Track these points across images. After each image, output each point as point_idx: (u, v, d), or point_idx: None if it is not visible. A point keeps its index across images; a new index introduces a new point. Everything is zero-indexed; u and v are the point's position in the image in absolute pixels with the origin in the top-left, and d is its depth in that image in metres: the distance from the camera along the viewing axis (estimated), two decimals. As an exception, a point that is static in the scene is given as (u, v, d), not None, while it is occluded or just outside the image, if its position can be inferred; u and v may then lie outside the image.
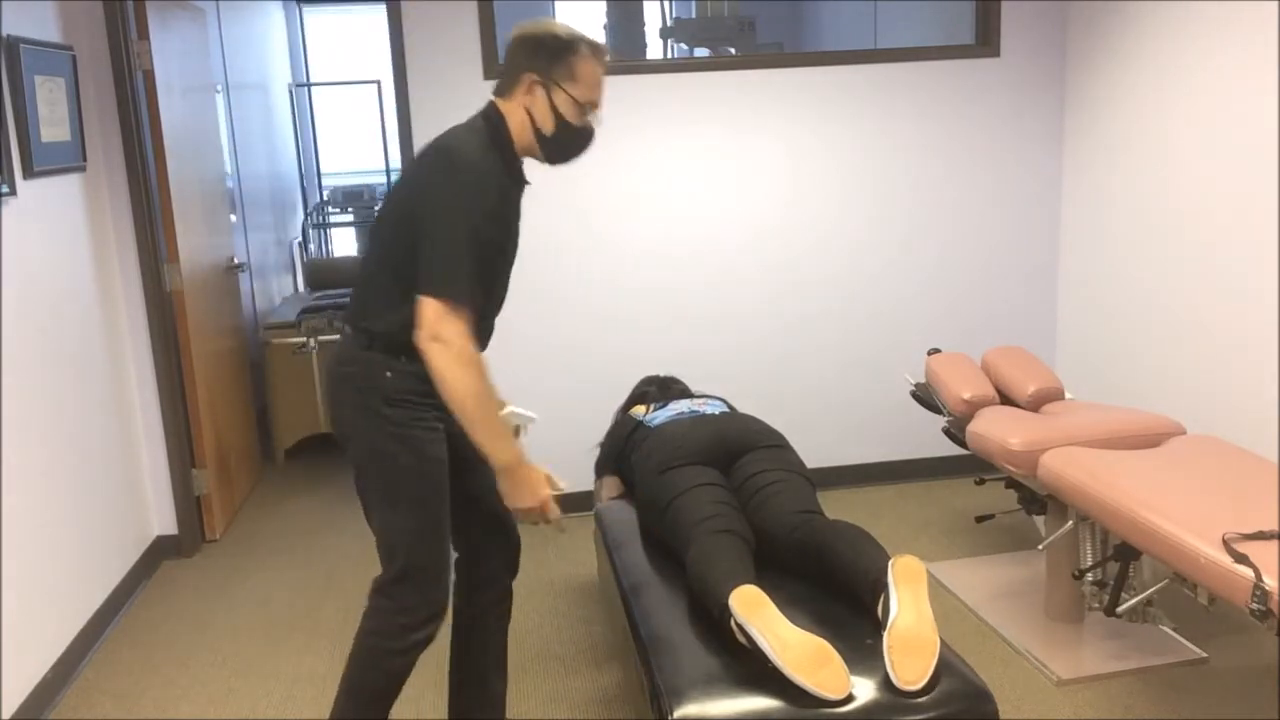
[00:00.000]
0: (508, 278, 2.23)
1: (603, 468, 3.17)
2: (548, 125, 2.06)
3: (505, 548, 2.35)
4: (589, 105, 2.07)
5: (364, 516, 2.17)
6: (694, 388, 4.12)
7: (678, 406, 2.99)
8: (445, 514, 2.14)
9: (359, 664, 2.16)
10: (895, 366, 4.17)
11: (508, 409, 2.33)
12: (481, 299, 2.05)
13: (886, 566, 2.06)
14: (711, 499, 2.44)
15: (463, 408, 1.96)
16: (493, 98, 2.10)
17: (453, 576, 2.22)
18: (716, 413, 2.85)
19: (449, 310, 1.93)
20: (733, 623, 1.99)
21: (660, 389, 3.29)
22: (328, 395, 2.18)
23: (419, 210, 1.98)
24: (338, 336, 4.79)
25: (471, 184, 1.96)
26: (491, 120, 2.07)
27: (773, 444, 2.67)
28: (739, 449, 2.65)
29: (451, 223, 1.94)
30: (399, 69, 3.69)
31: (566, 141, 2.09)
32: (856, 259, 4.09)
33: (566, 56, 2.03)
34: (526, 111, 2.06)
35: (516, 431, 2.35)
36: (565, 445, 4.01)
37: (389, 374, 2.04)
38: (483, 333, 2.16)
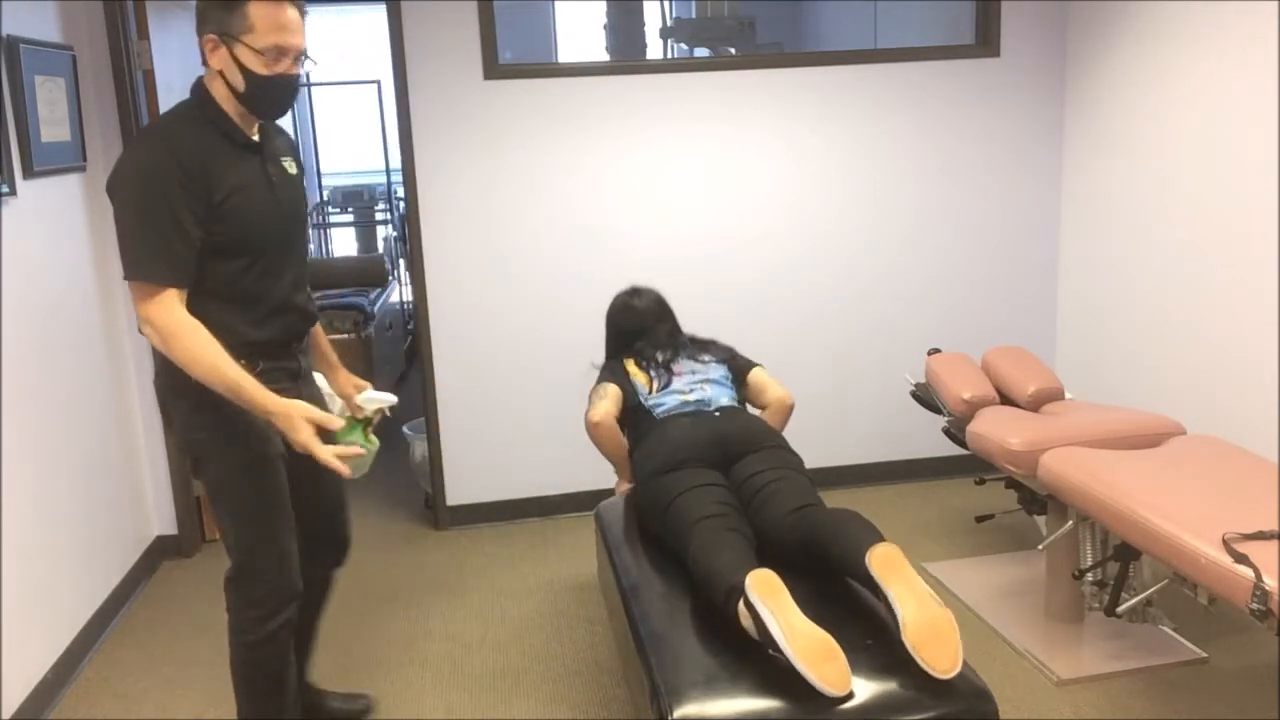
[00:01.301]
0: (288, 244, 2.15)
1: (603, 377, 3.04)
2: (239, 82, 1.97)
3: (333, 543, 2.42)
4: (274, 51, 1.95)
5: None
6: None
7: (679, 391, 2.88)
8: (281, 504, 2.13)
9: (235, 663, 2.22)
10: (895, 366, 4.17)
11: (365, 394, 2.32)
12: (256, 270, 2.02)
13: (864, 562, 2.04)
14: (713, 499, 2.44)
15: (204, 378, 1.92)
16: (200, 78, 2.05)
17: None
18: (715, 410, 2.80)
19: (149, 291, 1.90)
20: (742, 604, 1.97)
21: (651, 343, 3.06)
22: (160, 407, 2.17)
23: (113, 204, 1.95)
24: (339, 336, 4.81)
25: (145, 162, 1.91)
26: (197, 95, 2.03)
27: (772, 444, 2.66)
28: (739, 450, 2.64)
29: (135, 205, 1.91)
30: (399, 69, 3.69)
31: (262, 95, 1.99)
32: (856, 259, 4.09)
33: (238, 6, 1.92)
34: (221, 77, 1.99)
35: (374, 419, 2.27)
36: (565, 445, 4.01)
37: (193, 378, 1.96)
38: (282, 309, 2.12)
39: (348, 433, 2.20)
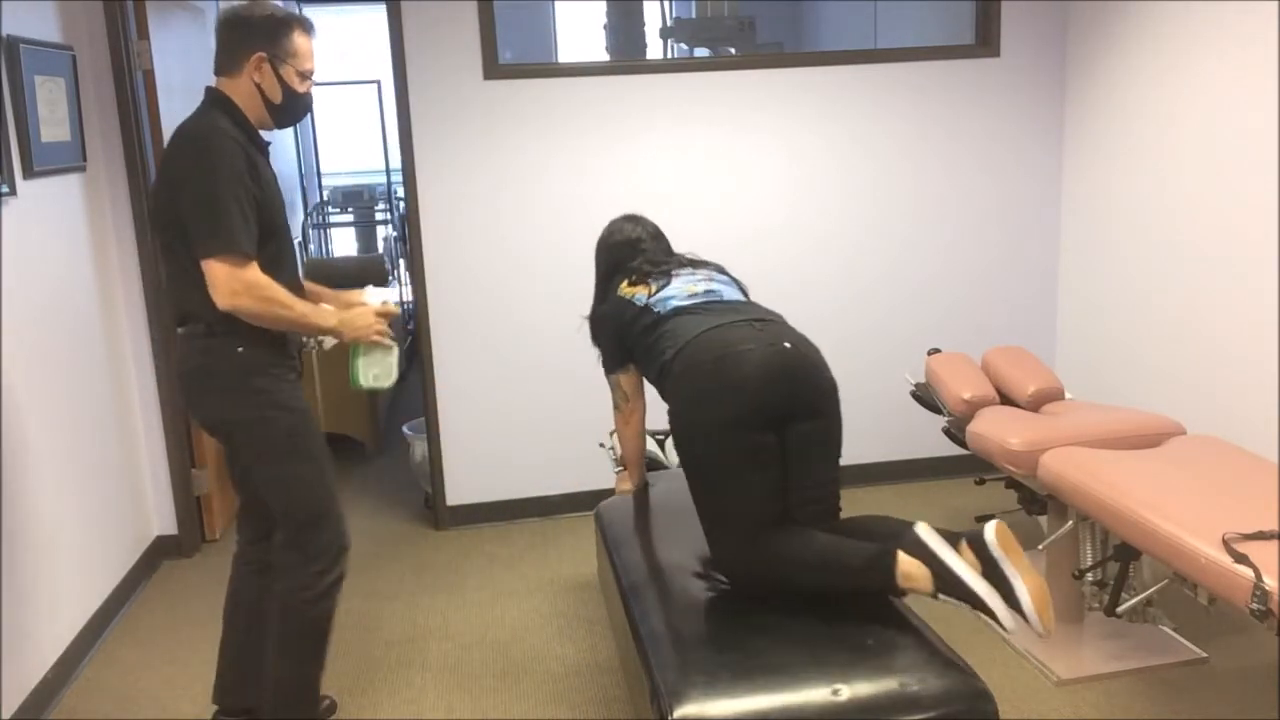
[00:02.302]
0: (289, 237, 2.42)
1: (613, 361, 2.75)
2: (276, 95, 2.30)
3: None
4: (308, 73, 2.33)
5: (239, 487, 2.48)
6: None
7: (681, 288, 2.53)
8: (327, 457, 2.41)
9: (289, 625, 2.39)
10: (895, 366, 4.17)
11: (368, 290, 2.61)
12: (268, 247, 2.24)
13: (982, 534, 2.08)
14: (770, 490, 2.23)
15: (285, 325, 2.25)
16: (212, 86, 2.31)
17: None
18: (757, 320, 2.35)
19: (232, 264, 2.14)
20: (906, 555, 2.06)
21: (646, 259, 2.75)
22: (187, 394, 2.36)
23: (181, 196, 2.16)
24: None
25: (216, 148, 2.16)
26: (219, 102, 2.28)
27: (836, 398, 2.34)
28: (805, 402, 2.27)
29: (210, 188, 2.13)
30: (399, 69, 3.69)
31: (293, 109, 2.35)
32: (856, 258, 4.09)
33: (286, 31, 2.27)
34: (255, 85, 2.28)
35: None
36: (565, 445, 4.01)
37: (240, 349, 2.25)
38: (289, 280, 2.34)
39: (352, 355, 2.45)
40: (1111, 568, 2.71)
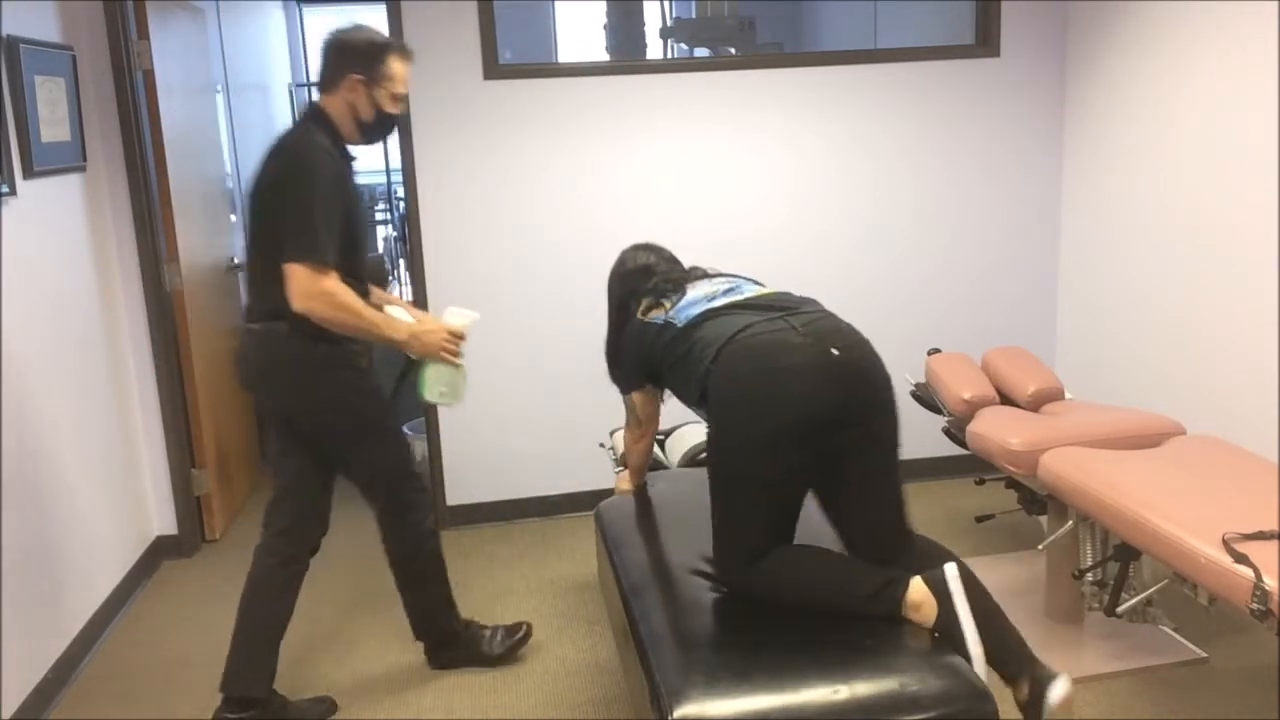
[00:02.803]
0: (365, 241, 2.62)
1: (629, 382, 2.61)
2: (368, 114, 2.50)
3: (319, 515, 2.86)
4: (401, 96, 2.53)
5: (277, 475, 2.67)
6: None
7: (700, 295, 2.39)
8: (399, 428, 2.73)
9: (410, 569, 2.78)
10: (895, 366, 4.15)
11: (449, 310, 2.67)
12: (349, 257, 2.45)
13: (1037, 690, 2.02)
14: (795, 518, 2.19)
15: (357, 331, 2.43)
16: (313, 100, 2.53)
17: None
18: (803, 325, 2.17)
19: (313, 270, 2.32)
20: (916, 592, 2.02)
21: (663, 278, 2.58)
22: (265, 385, 2.56)
23: (277, 199, 2.37)
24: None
25: (310, 165, 2.36)
26: (317, 116, 2.49)
27: (889, 418, 2.19)
28: (857, 420, 2.13)
29: (303, 200, 2.33)
30: (399, 69, 3.69)
31: (381, 127, 2.56)
32: (856, 258, 4.09)
33: (383, 58, 2.47)
34: (349, 105, 2.48)
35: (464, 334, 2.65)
36: (565, 445, 4.01)
37: (323, 346, 2.46)
38: (359, 285, 2.53)
39: (421, 368, 2.59)
40: (1111, 568, 2.71)
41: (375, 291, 2.71)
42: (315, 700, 2.79)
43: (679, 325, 2.33)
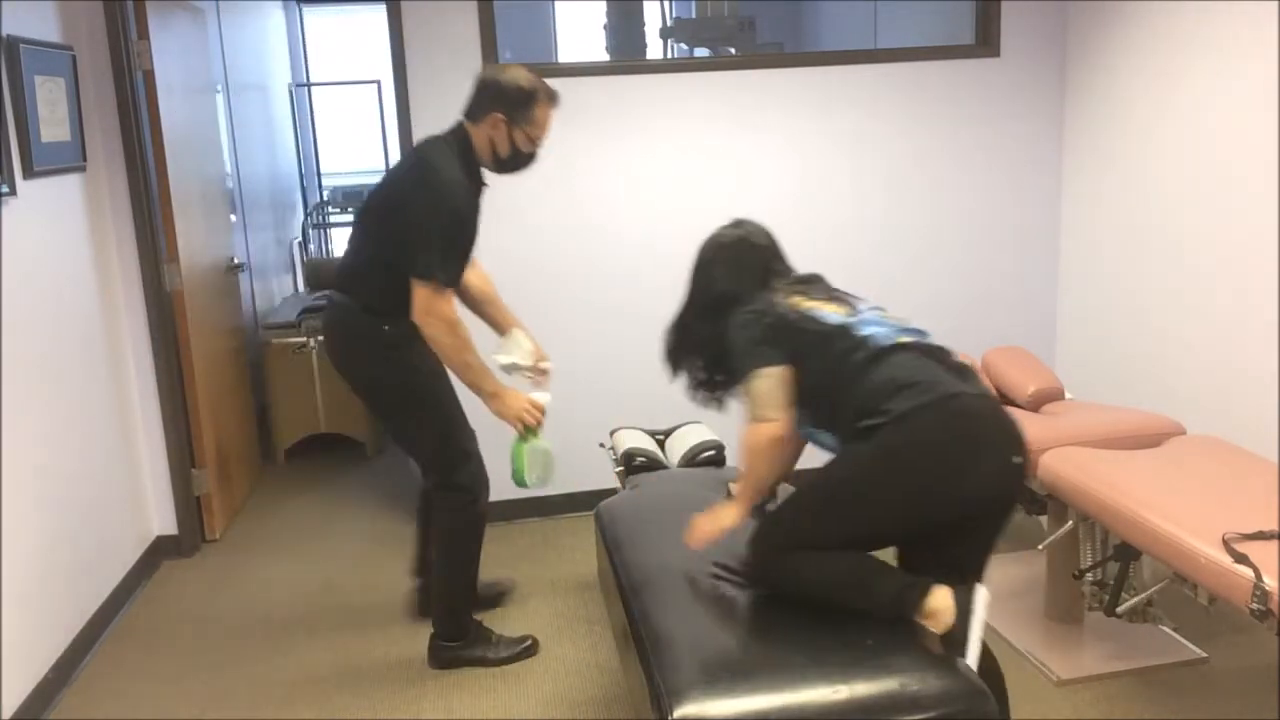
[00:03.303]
0: (471, 252, 2.78)
1: (769, 355, 2.18)
2: (504, 151, 2.69)
3: None
4: (539, 140, 2.70)
5: (395, 440, 3.03)
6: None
7: (883, 319, 2.24)
8: (458, 405, 2.83)
9: (455, 544, 2.87)
10: (895, 366, 4.17)
11: (513, 332, 2.94)
12: (459, 277, 2.68)
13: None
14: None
15: (452, 362, 2.67)
16: (463, 120, 2.71)
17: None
18: (997, 414, 2.11)
19: (436, 292, 2.58)
20: (935, 600, 2.00)
21: (799, 278, 2.44)
22: (337, 355, 2.83)
23: (407, 211, 2.59)
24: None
25: (446, 195, 2.58)
26: (462, 140, 2.69)
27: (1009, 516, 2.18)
28: (999, 513, 2.15)
29: (433, 225, 2.57)
30: (399, 69, 3.69)
31: (516, 163, 2.72)
32: (855, 258, 4.09)
33: (529, 104, 2.64)
34: (490, 139, 2.68)
35: (514, 368, 2.90)
36: (564, 444, 4.00)
37: (386, 328, 2.72)
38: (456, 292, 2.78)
39: (517, 451, 2.79)
40: (1111, 568, 2.71)
41: (505, 312, 3.01)
42: (491, 582, 3.19)
43: (861, 337, 2.15)
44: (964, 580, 2.09)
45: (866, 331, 2.17)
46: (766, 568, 2.18)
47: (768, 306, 2.26)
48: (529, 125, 2.66)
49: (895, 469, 2.06)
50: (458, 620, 2.95)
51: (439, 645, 2.97)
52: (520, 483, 2.82)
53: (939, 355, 2.19)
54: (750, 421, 2.18)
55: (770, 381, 2.16)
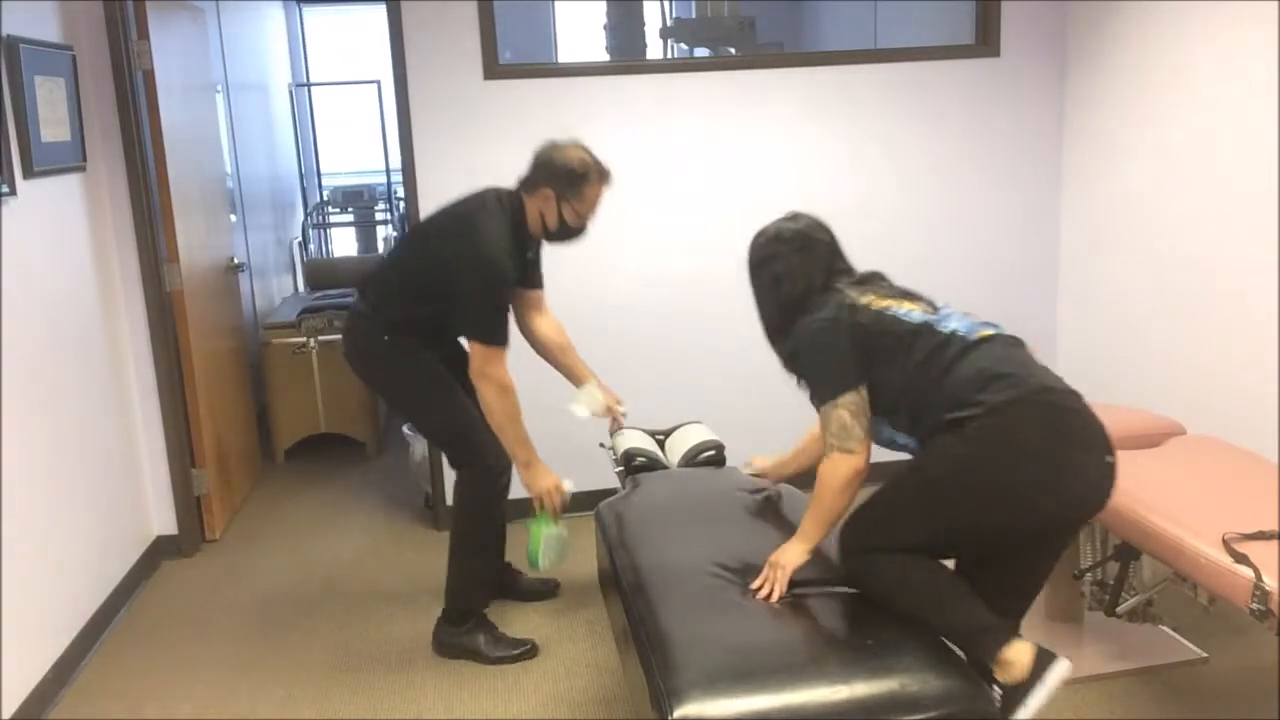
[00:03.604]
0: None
1: (850, 378, 2.10)
2: (553, 224, 2.81)
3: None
4: (587, 217, 2.82)
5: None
6: (705, 381, 4.12)
7: (962, 316, 2.16)
8: (461, 398, 2.91)
9: (468, 524, 2.96)
10: (895, 366, 4.17)
11: (576, 409, 3.11)
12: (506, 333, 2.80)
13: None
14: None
15: (500, 425, 2.82)
16: (519, 189, 2.83)
17: None
18: (1086, 409, 2.05)
19: (491, 353, 2.74)
20: (1013, 654, 1.94)
21: (865, 276, 2.37)
22: (349, 357, 2.99)
23: (455, 277, 2.71)
24: (339, 336, 4.81)
25: (493, 268, 2.71)
26: (516, 208, 2.82)
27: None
28: (1085, 518, 2.16)
29: (481, 297, 2.73)
30: (399, 69, 3.69)
31: (563, 235, 2.85)
32: (855, 258, 4.08)
33: (579, 184, 2.75)
34: (540, 211, 2.80)
35: (588, 412, 3.08)
36: (564, 444, 4.00)
37: (387, 338, 2.91)
38: None
39: (533, 535, 2.93)
40: (1111, 568, 2.71)
41: (579, 363, 3.20)
42: (542, 579, 3.26)
43: (947, 332, 2.08)
44: (1015, 604, 2.06)
45: (951, 326, 2.09)
46: (852, 566, 2.12)
47: (840, 311, 2.14)
48: (578, 202, 2.77)
49: (993, 465, 1.97)
50: (460, 604, 3.00)
51: (442, 628, 3.03)
52: (534, 564, 2.96)
53: (1022, 347, 2.13)
54: (829, 452, 2.11)
55: (850, 411, 2.07)
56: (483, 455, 2.91)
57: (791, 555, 2.16)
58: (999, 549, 2.12)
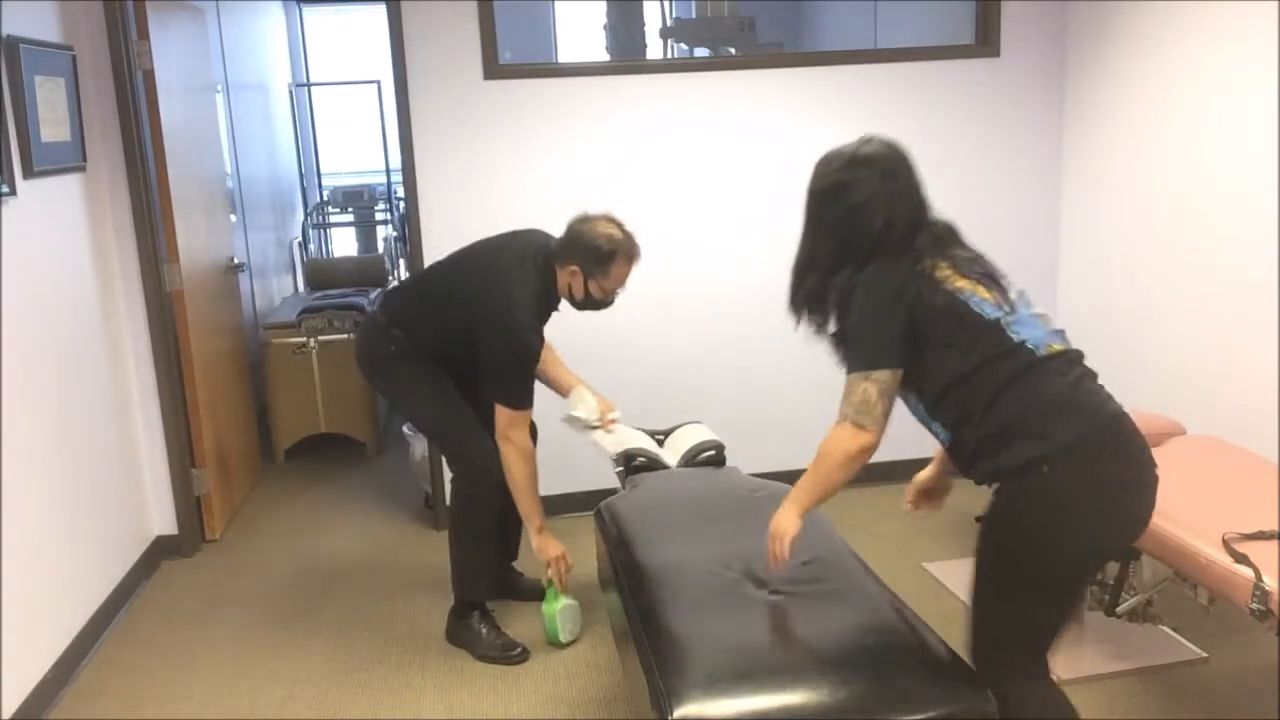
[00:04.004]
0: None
1: (892, 354, 1.92)
2: (579, 295, 2.88)
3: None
4: (613, 292, 2.89)
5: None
6: (705, 381, 4.11)
7: (1038, 319, 2.04)
8: (452, 400, 2.97)
9: (464, 516, 3.02)
10: (895, 366, 4.17)
11: (576, 391, 3.15)
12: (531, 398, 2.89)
13: None
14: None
15: (518, 489, 2.91)
16: (553, 258, 2.88)
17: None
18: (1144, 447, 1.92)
19: (515, 416, 2.83)
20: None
21: (949, 241, 2.15)
22: (369, 365, 3.06)
23: (484, 335, 2.80)
24: (338, 336, 4.82)
25: (521, 335, 2.79)
26: (547, 278, 2.87)
27: None
28: None
29: (508, 361, 2.81)
30: (399, 69, 3.69)
31: (588, 307, 2.92)
32: (856, 259, 4.09)
33: (606, 263, 2.81)
34: (568, 283, 2.86)
35: (582, 424, 3.13)
36: (564, 443, 4.00)
37: (392, 347, 2.98)
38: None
39: (550, 613, 3.03)
40: (1111, 568, 2.71)
41: (565, 372, 3.20)
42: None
43: (1017, 342, 1.94)
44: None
45: (1022, 335, 1.94)
46: (1020, 707, 1.93)
47: (912, 281, 1.92)
48: (604, 279, 2.84)
49: (1090, 515, 1.83)
50: (464, 593, 3.09)
51: (451, 616, 3.13)
52: (556, 641, 3.04)
53: (1082, 360, 2.01)
54: (842, 420, 1.94)
55: (879, 388, 1.90)
56: (470, 457, 2.97)
57: (786, 522, 2.05)
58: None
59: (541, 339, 2.89)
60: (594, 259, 2.81)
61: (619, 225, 2.86)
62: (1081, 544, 1.85)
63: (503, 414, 2.84)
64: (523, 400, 2.85)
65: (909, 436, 4.27)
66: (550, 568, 3.02)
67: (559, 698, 2.80)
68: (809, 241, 2.08)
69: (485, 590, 3.12)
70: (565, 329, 3.93)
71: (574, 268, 2.83)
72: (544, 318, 2.93)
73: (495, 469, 2.93)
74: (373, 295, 5.52)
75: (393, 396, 3.20)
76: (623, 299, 3.99)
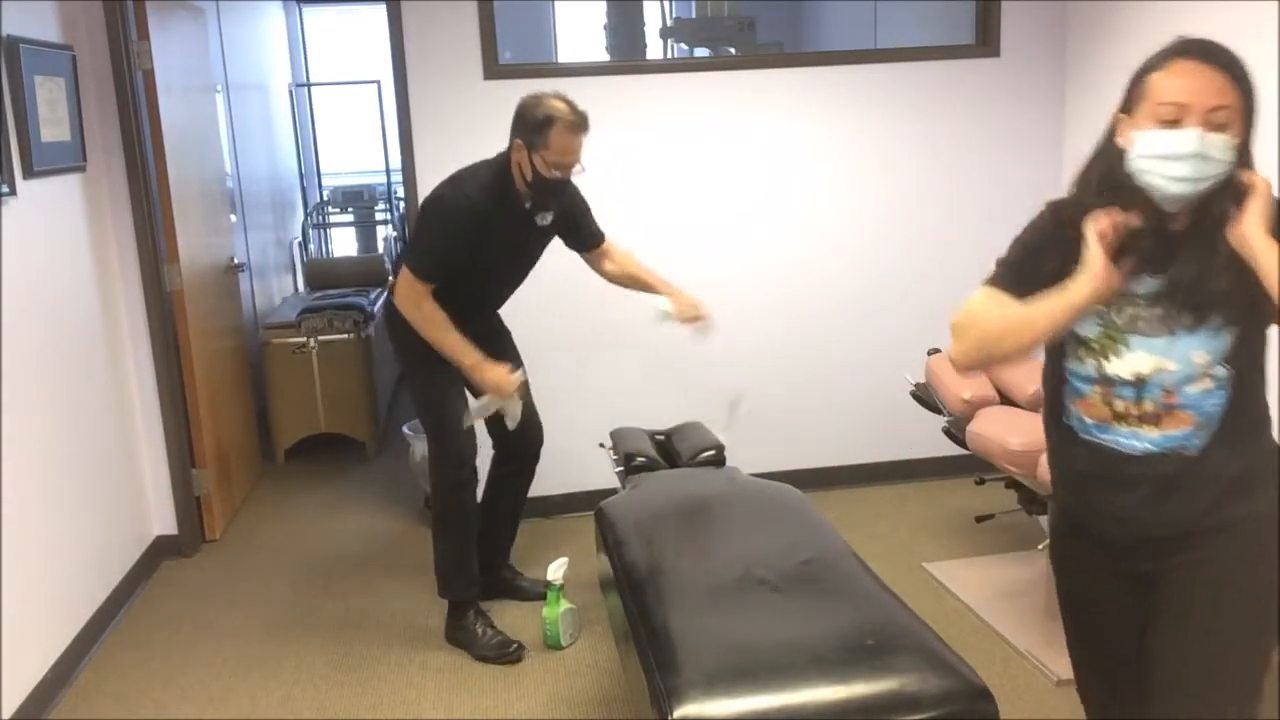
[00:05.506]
0: (506, 269, 3.08)
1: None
2: (527, 175, 2.81)
3: (527, 437, 3.21)
4: (557, 166, 2.78)
5: (490, 426, 3.19)
6: (693, 383, 4.12)
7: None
8: (455, 387, 2.98)
9: (441, 515, 3.07)
10: (895, 366, 4.16)
11: (659, 305, 3.13)
12: (461, 281, 2.88)
13: None
14: None
15: (428, 338, 2.86)
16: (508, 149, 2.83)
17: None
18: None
19: (413, 278, 2.82)
20: None
21: None
22: (393, 329, 3.05)
23: (418, 218, 2.84)
24: (338, 336, 4.82)
25: (446, 209, 2.80)
26: (498, 165, 2.86)
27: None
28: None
29: (426, 232, 2.86)
30: (399, 69, 3.69)
31: (539, 187, 2.83)
32: (856, 259, 4.09)
33: (544, 130, 2.74)
34: (517, 163, 2.81)
35: (668, 316, 3.09)
36: (564, 443, 4.00)
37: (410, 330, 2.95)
38: (481, 299, 3.11)
39: (549, 607, 3.04)
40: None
41: (653, 280, 3.19)
42: (536, 580, 3.25)
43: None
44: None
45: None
46: None
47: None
48: (545, 150, 2.74)
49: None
50: (447, 592, 3.10)
51: (448, 617, 3.13)
52: (557, 646, 3.05)
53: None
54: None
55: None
56: (446, 440, 2.98)
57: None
58: None
59: (476, 218, 2.80)
60: (533, 128, 2.75)
61: (565, 99, 2.82)
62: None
63: (404, 277, 2.83)
64: (425, 267, 2.82)
65: (916, 438, 4.30)
66: (499, 389, 2.90)
67: (559, 698, 2.80)
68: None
69: (465, 588, 3.10)
70: (565, 329, 3.94)
71: (518, 142, 2.79)
72: (504, 212, 2.84)
73: (469, 455, 2.98)
74: (373, 295, 5.52)
75: (406, 361, 3.16)
76: (623, 297, 4.00)
